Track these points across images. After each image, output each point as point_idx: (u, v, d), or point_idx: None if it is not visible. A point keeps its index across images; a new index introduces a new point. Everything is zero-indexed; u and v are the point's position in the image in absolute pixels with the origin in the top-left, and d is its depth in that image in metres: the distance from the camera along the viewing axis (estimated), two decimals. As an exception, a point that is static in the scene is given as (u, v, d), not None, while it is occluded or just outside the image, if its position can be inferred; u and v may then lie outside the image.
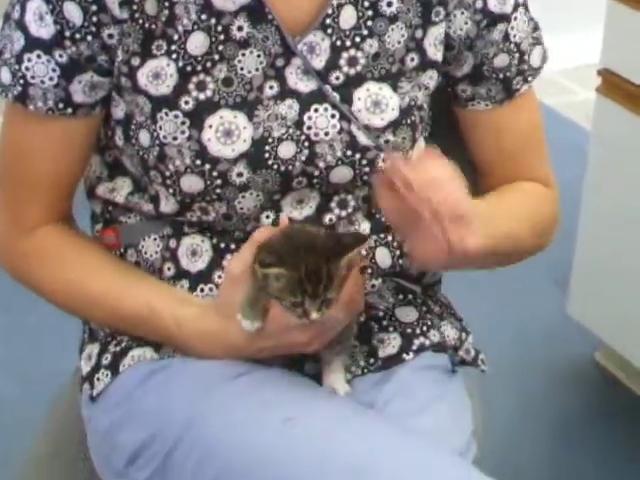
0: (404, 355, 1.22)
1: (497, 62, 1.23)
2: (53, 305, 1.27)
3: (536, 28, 1.26)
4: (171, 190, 1.17)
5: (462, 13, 1.19)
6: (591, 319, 2.32)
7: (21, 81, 1.15)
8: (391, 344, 1.23)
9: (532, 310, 2.62)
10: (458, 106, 1.28)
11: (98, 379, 1.21)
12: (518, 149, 1.30)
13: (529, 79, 1.27)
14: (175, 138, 1.14)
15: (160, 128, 1.15)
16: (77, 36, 1.12)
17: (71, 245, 1.24)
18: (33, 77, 1.14)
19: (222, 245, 1.20)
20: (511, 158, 1.29)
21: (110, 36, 1.13)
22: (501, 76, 1.24)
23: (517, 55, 1.24)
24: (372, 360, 1.22)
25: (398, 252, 1.27)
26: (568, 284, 2.37)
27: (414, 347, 1.23)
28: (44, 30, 1.12)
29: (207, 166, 1.15)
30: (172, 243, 1.21)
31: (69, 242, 1.24)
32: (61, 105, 1.16)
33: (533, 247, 1.28)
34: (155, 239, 1.22)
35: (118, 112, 1.18)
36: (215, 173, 1.15)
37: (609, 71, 2.09)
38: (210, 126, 1.14)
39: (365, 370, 1.21)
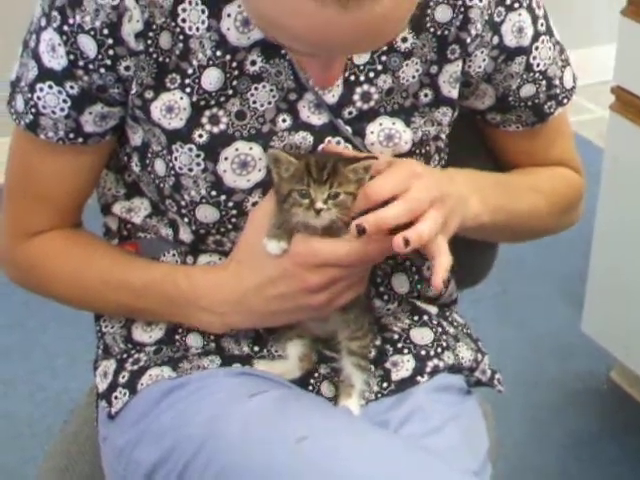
0: (418, 377, 1.22)
1: (523, 92, 1.23)
2: (64, 302, 1.27)
3: (562, 50, 1.25)
4: (186, 219, 1.17)
5: (482, 52, 1.19)
6: (606, 337, 2.31)
7: (33, 110, 1.15)
8: (405, 367, 1.22)
9: (547, 327, 2.62)
10: (488, 128, 1.29)
11: (116, 397, 1.21)
12: (548, 149, 1.31)
13: (564, 102, 1.27)
14: (191, 169, 1.15)
15: (176, 159, 1.15)
16: (90, 67, 1.12)
17: (78, 238, 1.25)
18: (44, 107, 1.15)
19: None
20: (540, 157, 1.31)
21: (127, 68, 1.12)
22: (530, 104, 1.25)
23: (544, 82, 1.24)
24: (386, 384, 1.21)
25: (417, 277, 1.28)
26: (583, 301, 2.36)
27: (428, 369, 1.23)
28: (56, 62, 1.12)
29: (223, 197, 1.15)
30: (189, 260, 1.22)
31: (76, 236, 1.25)
32: (72, 135, 1.16)
33: (555, 225, 1.34)
34: (174, 255, 1.23)
35: (136, 139, 1.18)
36: (231, 204, 1.15)
37: (623, 89, 2.09)
38: (226, 158, 1.14)
39: (379, 395, 1.20)
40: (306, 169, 1.10)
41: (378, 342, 1.23)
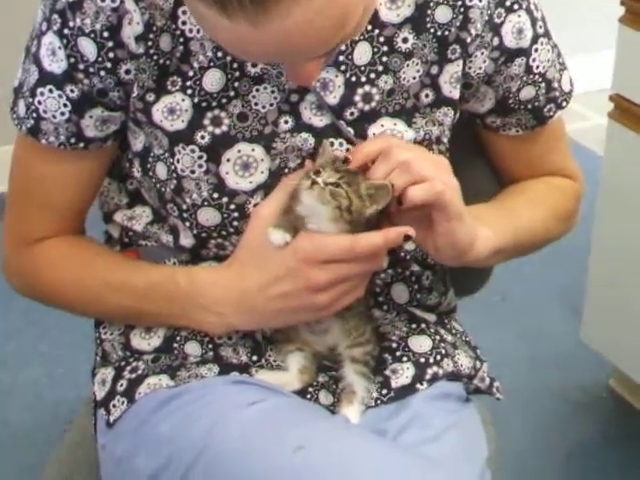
0: (418, 385, 1.22)
1: (523, 95, 1.23)
2: (67, 309, 1.27)
3: (560, 54, 1.26)
4: (188, 223, 1.17)
5: (482, 53, 1.19)
6: (605, 345, 2.31)
7: (34, 115, 1.15)
8: (404, 374, 1.22)
9: (545, 336, 2.61)
10: (488, 132, 1.29)
11: (114, 405, 1.21)
12: (545, 156, 1.31)
13: (563, 104, 1.27)
14: (193, 172, 1.15)
15: (178, 161, 1.15)
16: (90, 70, 1.12)
17: (80, 244, 1.25)
18: (45, 111, 1.15)
19: None
20: (538, 164, 1.31)
21: (127, 71, 1.13)
22: (529, 106, 1.25)
23: (543, 85, 1.24)
24: (385, 391, 1.21)
25: (416, 286, 1.28)
26: (581, 310, 2.36)
27: (427, 377, 1.23)
28: (56, 65, 1.12)
29: (224, 199, 1.15)
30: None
31: (79, 242, 1.25)
32: (73, 140, 1.17)
33: (555, 233, 1.33)
34: (174, 263, 1.23)
35: (137, 144, 1.18)
36: (232, 206, 1.15)
37: (621, 96, 2.09)
38: (228, 160, 1.14)
39: (378, 401, 1.20)
40: (334, 158, 1.11)
41: (376, 352, 1.22)
